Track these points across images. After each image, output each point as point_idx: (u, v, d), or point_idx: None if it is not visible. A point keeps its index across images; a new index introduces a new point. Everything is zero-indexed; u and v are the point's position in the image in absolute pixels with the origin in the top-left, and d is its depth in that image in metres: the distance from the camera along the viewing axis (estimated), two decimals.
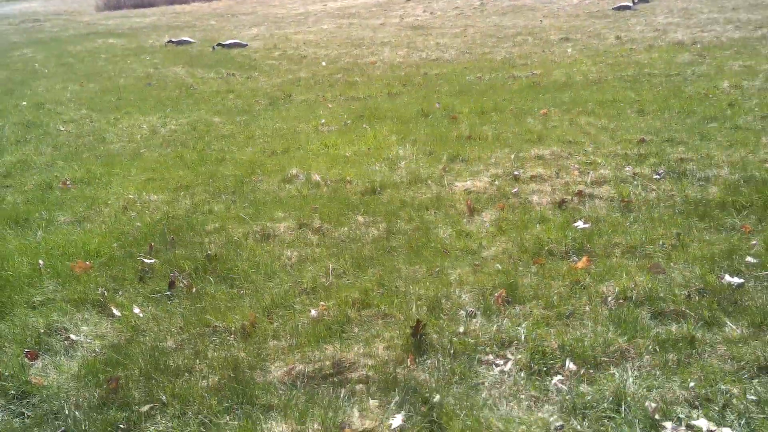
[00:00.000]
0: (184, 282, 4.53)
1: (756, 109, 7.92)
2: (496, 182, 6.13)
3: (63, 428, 3.14)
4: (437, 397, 3.10)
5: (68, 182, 7.11)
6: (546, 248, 4.62)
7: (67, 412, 3.24)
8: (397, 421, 2.91)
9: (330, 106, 10.34)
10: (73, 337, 3.94)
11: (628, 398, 3.00)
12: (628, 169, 6.16)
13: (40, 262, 4.95)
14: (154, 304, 4.29)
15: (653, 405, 2.93)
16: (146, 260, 4.86)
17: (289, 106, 10.57)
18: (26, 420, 3.25)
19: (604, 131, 7.55)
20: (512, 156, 6.85)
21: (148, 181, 7.03)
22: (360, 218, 5.51)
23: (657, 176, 5.88)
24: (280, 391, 3.29)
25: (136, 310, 4.19)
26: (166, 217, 5.83)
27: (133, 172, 7.41)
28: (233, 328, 3.89)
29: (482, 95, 10.10)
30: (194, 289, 4.42)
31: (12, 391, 3.45)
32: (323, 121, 9.22)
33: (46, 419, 3.24)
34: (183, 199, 6.38)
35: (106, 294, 4.40)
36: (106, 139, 9.04)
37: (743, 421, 2.81)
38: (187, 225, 5.59)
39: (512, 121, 8.36)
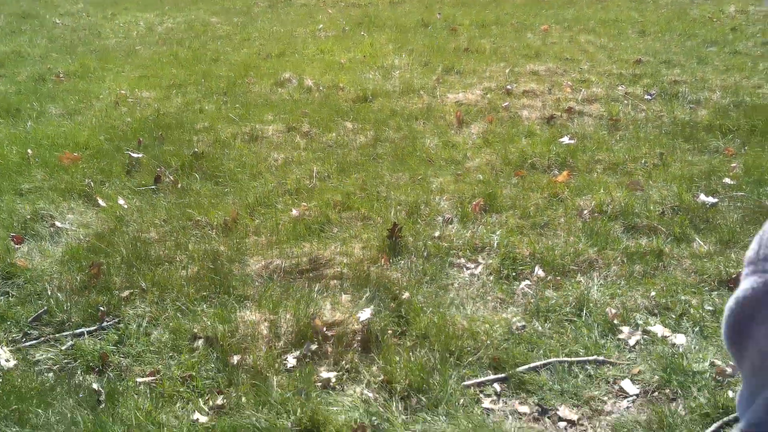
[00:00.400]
0: (170, 177, 4.58)
1: (758, 35, 7.82)
2: (488, 95, 6.11)
3: (45, 308, 3.25)
4: (406, 295, 3.21)
5: (61, 75, 7.07)
6: (529, 161, 4.67)
7: (50, 293, 3.35)
8: (365, 314, 3.02)
9: (330, 11, 10.17)
10: (58, 224, 4.03)
11: (591, 304, 3.11)
12: (620, 88, 6.14)
13: (29, 151, 4.99)
14: (140, 197, 4.36)
15: (613, 311, 3.04)
16: (134, 154, 4.90)
17: (289, 10, 10.39)
18: (11, 299, 3.36)
19: (603, 50, 7.47)
20: (507, 70, 6.81)
21: (141, 77, 7.00)
22: (349, 125, 5.52)
23: (648, 97, 5.87)
24: (257, 283, 3.39)
25: (121, 201, 4.26)
26: (156, 114, 5.84)
27: (126, 68, 7.36)
28: (215, 223, 3.97)
29: (485, 8, 9.93)
30: (179, 185, 4.48)
31: None
32: (321, 26, 9.09)
33: (30, 299, 3.35)
34: (175, 97, 6.37)
35: (92, 185, 4.47)
36: (101, 34, 8.94)
37: (697, 329, 2.92)
38: (176, 123, 5.60)
39: (512, 36, 8.25)
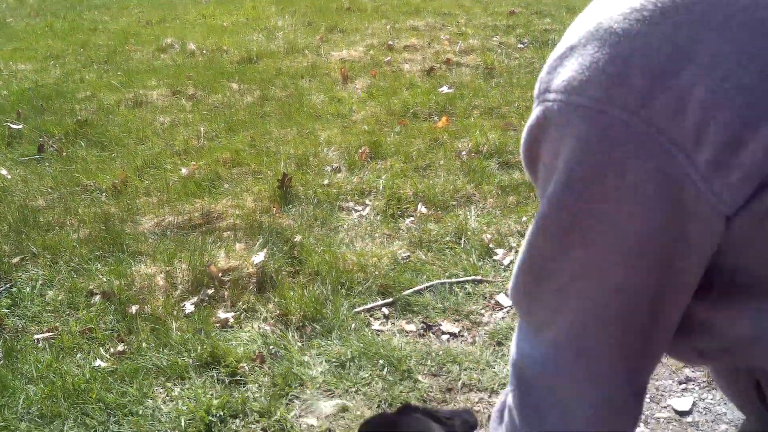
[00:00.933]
0: (54, 146, 4.53)
1: None
2: (371, 52, 6.27)
3: None
4: (298, 238, 3.36)
5: None
6: (411, 111, 4.88)
7: None
8: (259, 257, 3.15)
9: None
10: None
11: (469, 233, 3.35)
12: (495, 39, 6.44)
13: None
14: (23, 167, 4.30)
15: (489, 237, 3.30)
16: (13, 126, 4.80)
17: None
18: None
19: (478, 3, 7.76)
20: (388, 27, 6.99)
21: (15, 50, 6.77)
22: (235, 86, 5.57)
23: (521, 45, 6.19)
24: (150, 240, 3.46)
25: (4, 172, 4.19)
26: (35, 86, 5.69)
27: None
28: (104, 187, 3.99)
29: None
30: (65, 153, 4.44)
31: None
32: None
33: None
34: (53, 68, 6.21)
35: None
36: None
37: None
38: (57, 93, 5.49)
39: None
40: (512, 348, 0.80)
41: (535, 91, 0.70)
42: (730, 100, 0.58)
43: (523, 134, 0.72)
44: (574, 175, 0.64)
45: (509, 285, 0.78)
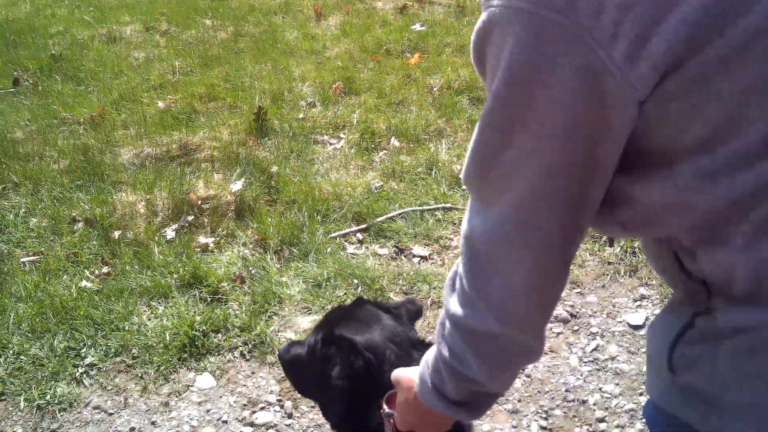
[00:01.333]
0: (30, 80, 4.55)
1: None
2: None
3: None
4: (275, 168, 3.47)
5: None
6: (384, 48, 4.95)
7: None
8: (237, 186, 3.26)
9: None
10: None
11: (440, 164, 3.49)
12: None
13: None
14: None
15: (459, 167, 3.43)
16: None
17: None
18: None
19: None
20: None
21: None
22: (208, 22, 5.58)
23: None
24: (130, 170, 3.55)
25: None
26: (6, 20, 5.65)
27: None
28: (82, 120, 4.04)
29: None
30: (40, 87, 4.47)
31: None
32: None
33: None
34: (22, 2, 6.15)
35: None
36: None
37: None
38: (29, 27, 5.46)
39: None
40: (464, 224, 0.93)
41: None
42: (637, 1, 0.70)
43: (472, 37, 0.82)
44: (514, 71, 0.76)
45: (462, 171, 0.91)
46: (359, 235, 3.03)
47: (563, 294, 2.61)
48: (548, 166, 0.80)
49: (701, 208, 0.80)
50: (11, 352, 2.43)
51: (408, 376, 1.11)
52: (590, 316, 2.55)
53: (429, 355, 1.03)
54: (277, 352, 1.84)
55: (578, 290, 2.67)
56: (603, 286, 2.69)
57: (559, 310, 2.55)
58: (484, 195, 0.88)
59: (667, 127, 0.77)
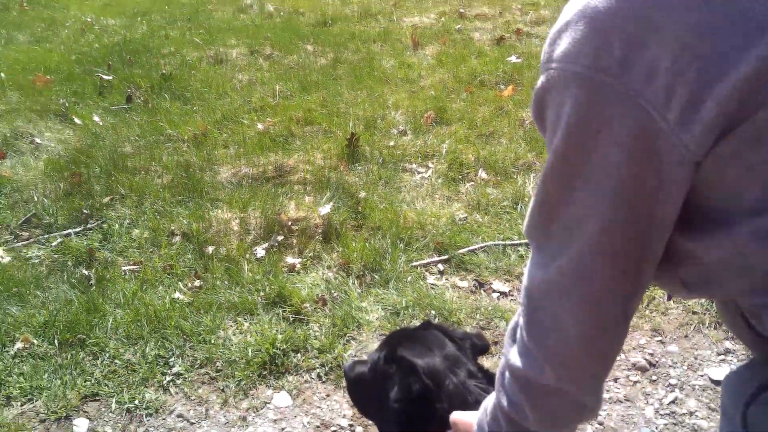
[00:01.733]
0: (141, 97, 4.84)
1: None
2: (443, 19, 6.39)
3: (33, 212, 3.55)
4: (363, 194, 3.57)
5: (25, 4, 7.17)
6: (478, 79, 5.00)
7: (36, 199, 3.65)
8: (325, 209, 3.38)
9: None
10: (38, 140, 4.29)
11: (526, 199, 3.50)
12: None
13: (2, 74, 5.18)
14: (113, 115, 4.62)
15: None
16: (105, 77, 5.13)
17: None
18: (0, 205, 3.66)
19: None
20: None
21: (105, 6, 7.13)
22: (309, 48, 5.78)
23: None
24: (227, 188, 3.73)
25: (96, 118, 4.52)
26: (123, 40, 6.03)
27: None
28: (186, 137, 4.27)
29: None
30: (150, 104, 4.75)
31: None
32: None
33: (17, 205, 3.64)
34: (140, 24, 6.54)
35: (67, 105, 4.71)
36: None
37: None
38: (144, 48, 5.81)
39: None
40: (525, 276, 0.97)
41: (541, 61, 0.87)
42: (688, 66, 0.74)
43: (532, 97, 0.89)
44: (572, 131, 0.81)
45: (524, 223, 0.96)
46: (440, 266, 3.08)
47: (643, 341, 2.58)
48: (606, 223, 0.84)
49: (760, 269, 0.82)
50: (107, 355, 2.60)
51: (466, 420, 1.15)
52: (670, 366, 2.50)
53: (488, 402, 1.07)
54: (342, 369, 1.89)
55: (659, 338, 2.63)
56: (686, 336, 2.63)
57: (638, 358, 2.52)
58: (545, 248, 0.92)
59: (724, 187, 0.80)
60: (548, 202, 0.89)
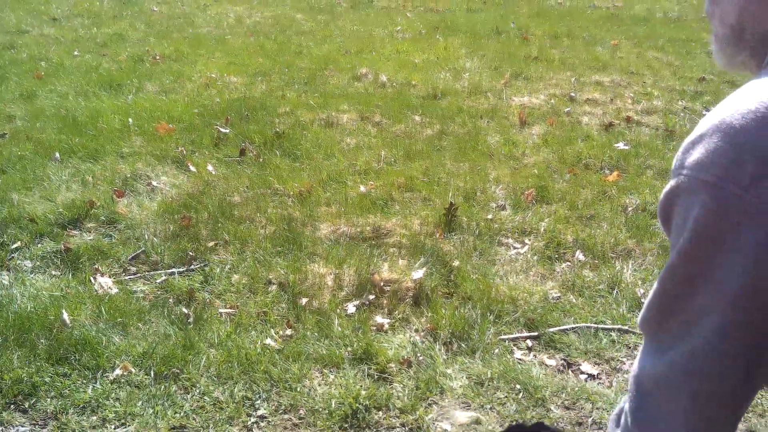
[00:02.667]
0: (253, 152, 5.08)
1: None
2: (552, 101, 6.45)
3: (143, 248, 3.77)
4: (457, 263, 3.60)
5: (158, 57, 7.71)
6: (583, 161, 5.00)
7: (146, 237, 3.87)
8: (418, 274, 3.42)
9: (408, 15, 10.62)
10: (154, 183, 4.56)
11: (623, 284, 3.44)
12: (680, 103, 6.39)
13: (130, 120, 5.58)
14: (225, 166, 4.87)
15: (642, 291, 3.37)
16: (222, 129, 5.43)
17: (369, 11, 10.90)
18: (113, 240, 3.89)
19: (669, 67, 7.70)
20: (573, 79, 7.12)
21: (229, 64, 7.58)
22: (417, 118, 5.94)
23: (706, 113, 6.10)
24: (325, 244, 3.83)
25: (210, 167, 4.78)
26: (243, 97, 6.38)
27: (216, 55, 7.97)
28: (291, 193, 4.44)
29: (559, 20, 10.22)
30: (261, 159, 4.98)
31: (102, 218, 4.09)
32: (399, 28, 9.55)
33: (129, 241, 3.87)
34: (259, 83, 6.91)
35: (184, 153, 5.00)
36: (194, 23, 9.60)
37: None
38: (260, 105, 6.12)
39: (581, 48, 8.55)
40: (635, 364, 0.99)
41: (673, 166, 0.92)
42: None
43: (661, 197, 0.94)
44: (700, 235, 0.85)
45: (640, 315, 0.99)
46: (529, 342, 3.05)
47: None
48: (723, 325, 0.86)
49: None
50: (197, 391, 2.69)
51: None
52: None
53: None
54: None
55: None
56: None
57: None
58: (659, 340, 0.94)
59: None
60: (667, 298, 0.92)
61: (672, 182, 0.89)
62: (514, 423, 1.60)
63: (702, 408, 0.90)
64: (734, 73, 0.97)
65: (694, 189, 0.85)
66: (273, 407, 2.63)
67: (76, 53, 7.99)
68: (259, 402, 2.65)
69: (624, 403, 1.01)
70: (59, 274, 3.54)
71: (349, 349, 2.93)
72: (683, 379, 0.89)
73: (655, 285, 0.93)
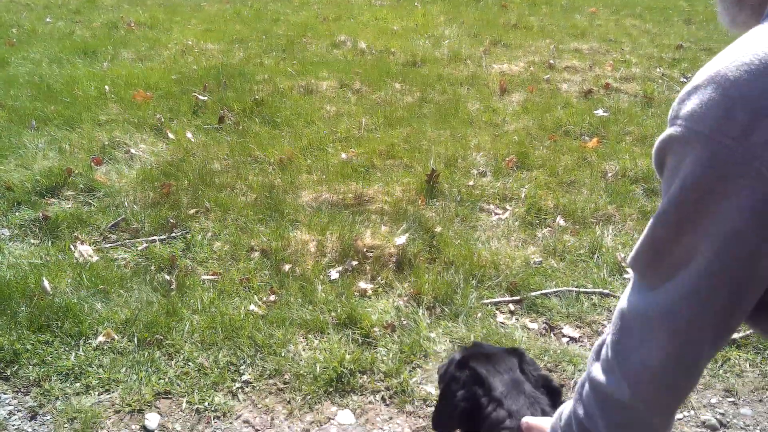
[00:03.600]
0: (233, 119, 5.03)
1: None
2: (531, 68, 6.44)
3: (123, 216, 3.73)
4: (439, 229, 3.61)
5: (132, 24, 7.57)
6: (563, 128, 5.01)
7: (126, 205, 3.83)
8: (401, 240, 3.43)
9: None
10: (132, 151, 4.50)
11: (603, 249, 3.47)
12: (658, 70, 6.42)
13: (106, 87, 5.49)
14: (205, 133, 4.82)
15: (622, 255, 3.41)
16: (200, 97, 5.37)
17: None
18: (92, 208, 3.84)
19: (646, 34, 7.72)
20: (552, 47, 7.11)
21: (206, 31, 7.47)
22: (397, 85, 5.91)
23: (684, 79, 6.14)
24: (307, 211, 3.82)
25: (189, 135, 4.72)
26: (220, 65, 6.29)
27: (192, 22, 7.84)
28: (272, 160, 4.41)
29: None
30: (241, 126, 4.93)
31: (81, 185, 4.04)
32: None
33: (109, 210, 3.82)
34: (237, 50, 6.82)
35: (162, 120, 4.94)
36: None
37: None
38: (238, 73, 6.04)
39: (560, 15, 8.53)
40: (622, 299, 1.02)
41: (669, 116, 0.95)
42: None
43: (656, 144, 0.96)
44: (690, 182, 0.88)
45: (630, 255, 1.02)
46: (511, 306, 3.08)
47: (715, 401, 2.52)
48: (709, 268, 0.90)
49: None
50: (182, 357, 2.69)
51: (540, 424, 1.21)
52: (742, 428, 2.43)
53: (563, 409, 1.13)
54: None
55: (732, 399, 2.55)
56: (760, 401, 2.55)
57: (708, 416, 2.46)
58: (647, 278, 0.99)
59: None
60: (658, 241, 0.96)
61: (667, 131, 0.92)
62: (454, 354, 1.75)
63: (678, 345, 0.95)
64: (736, 33, 0.99)
65: (687, 139, 0.88)
66: (258, 372, 2.64)
67: (48, 20, 7.83)
68: (243, 367, 2.66)
69: (606, 335, 1.06)
70: (38, 242, 3.50)
71: (333, 314, 2.94)
72: (665, 317, 0.95)
73: (647, 228, 0.97)
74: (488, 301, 3.09)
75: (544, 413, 1.45)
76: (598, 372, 1.03)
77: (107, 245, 3.53)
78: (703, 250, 0.89)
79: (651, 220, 0.97)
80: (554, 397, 1.58)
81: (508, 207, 3.93)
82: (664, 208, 0.92)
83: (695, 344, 0.95)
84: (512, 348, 1.69)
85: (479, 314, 2.99)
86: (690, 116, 0.87)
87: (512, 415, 1.44)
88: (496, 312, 3.04)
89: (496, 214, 3.88)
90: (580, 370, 2.67)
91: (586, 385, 1.06)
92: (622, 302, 1.02)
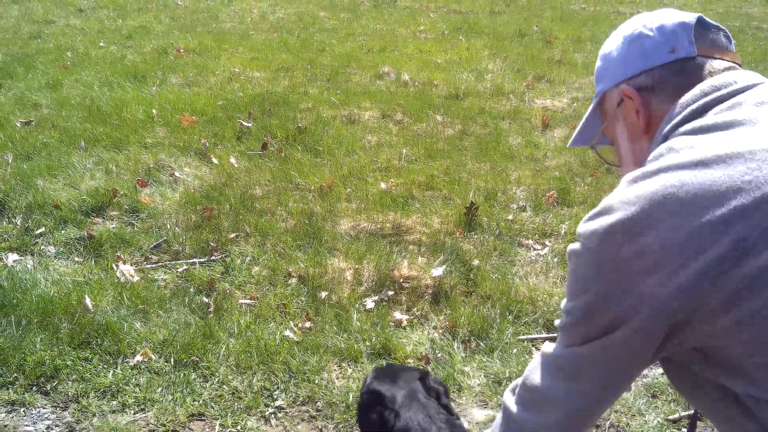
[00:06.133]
0: (275, 146, 5.11)
1: None
2: (575, 104, 6.42)
3: (165, 238, 3.80)
4: (476, 262, 3.60)
5: (182, 50, 7.76)
6: (605, 166, 4.96)
7: (168, 227, 3.90)
8: (438, 272, 3.43)
9: (431, 15, 10.62)
10: (177, 174, 4.59)
11: None
12: None
13: (154, 111, 5.62)
14: (248, 159, 4.89)
15: None
16: (245, 123, 5.46)
17: (392, 11, 10.90)
18: (135, 228, 3.92)
19: None
20: None
21: (253, 59, 7.62)
22: (439, 118, 5.94)
23: None
24: (345, 239, 3.85)
25: (232, 160, 4.80)
26: (265, 92, 6.41)
27: (240, 50, 8.01)
28: (313, 188, 4.46)
29: (582, 24, 10.19)
30: (283, 153, 5.00)
31: (125, 206, 4.13)
32: (422, 28, 9.56)
33: (151, 231, 3.90)
34: (282, 79, 6.93)
35: (207, 145, 5.03)
36: (218, 18, 9.66)
37: None
38: (283, 101, 6.15)
39: None
40: (552, 343, 1.35)
41: (577, 230, 1.21)
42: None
43: (567, 249, 1.25)
44: (580, 281, 1.22)
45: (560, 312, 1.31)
46: (548, 343, 3.04)
47: None
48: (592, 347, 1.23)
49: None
50: (216, 380, 2.71)
51: None
52: None
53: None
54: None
55: None
56: None
57: None
58: (559, 336, 1.32)
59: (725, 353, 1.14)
60: (566, 323, 1.28)
61: (574, 244, 1.23)
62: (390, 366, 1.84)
63: (570, 398, 1.29)
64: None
65: (580, 252, 1.20)
66: (291, 398, 2.64)
67: (101, 44, 8.07)
68: (277, 393, 2.67)
69: (523, 379, 1.37)
70: (82, 260, 3.58)
71: (368, 343, 2.94)
72: (561, 368, 1.28)
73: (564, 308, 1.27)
74: (524, 337, 3.06)
75: (430, 417, 1.58)
76: (510, 401, 1.44)
77: (148, 266, 3.59)
78: (594, 353, 1.24)
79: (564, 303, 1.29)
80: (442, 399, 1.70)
81: (547, 243, 3.90)
82: (565, 301, 1.29)
83: (585, 403, 1.30)
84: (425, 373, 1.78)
85: (515, 350, 2.96)
86: (585, 235, 1.20)
87: (409, 422, 1.57)
88: (532, 348, 3.01)
89: (534, 249, 3.86)
90: (616, 412, 2.63)
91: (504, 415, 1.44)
92: (547, 345, 1.39)
